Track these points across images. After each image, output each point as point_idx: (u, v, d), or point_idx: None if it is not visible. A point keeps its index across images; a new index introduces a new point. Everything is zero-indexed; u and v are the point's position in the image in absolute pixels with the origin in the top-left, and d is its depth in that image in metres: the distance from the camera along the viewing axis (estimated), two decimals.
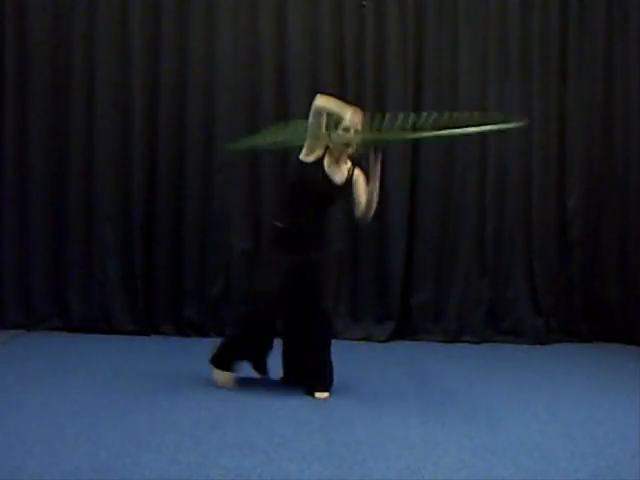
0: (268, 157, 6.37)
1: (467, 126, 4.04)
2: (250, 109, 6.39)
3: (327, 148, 4.31)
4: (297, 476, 3.15)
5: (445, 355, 5.96)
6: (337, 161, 4.35)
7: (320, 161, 4.31)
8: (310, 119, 4.21)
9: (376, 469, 3.25)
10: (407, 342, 6.37)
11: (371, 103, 6.41)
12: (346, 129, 4.22)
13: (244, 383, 4.75)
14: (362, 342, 6.30)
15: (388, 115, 4.17)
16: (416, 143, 6.28)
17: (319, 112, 4.18)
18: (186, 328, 6.30)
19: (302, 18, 6.38)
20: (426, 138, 4.63)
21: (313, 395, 4.40)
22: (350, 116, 4.21)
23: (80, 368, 5.03)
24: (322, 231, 4.46)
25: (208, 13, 6.33)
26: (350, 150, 4.30)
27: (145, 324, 6.30)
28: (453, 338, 6.43)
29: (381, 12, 6.42)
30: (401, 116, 4.13)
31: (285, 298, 4.43)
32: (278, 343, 4.64)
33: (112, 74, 6.30)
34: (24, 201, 6.32)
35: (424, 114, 4.13)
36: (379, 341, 6.31)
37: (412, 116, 4.18)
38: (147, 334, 6.26)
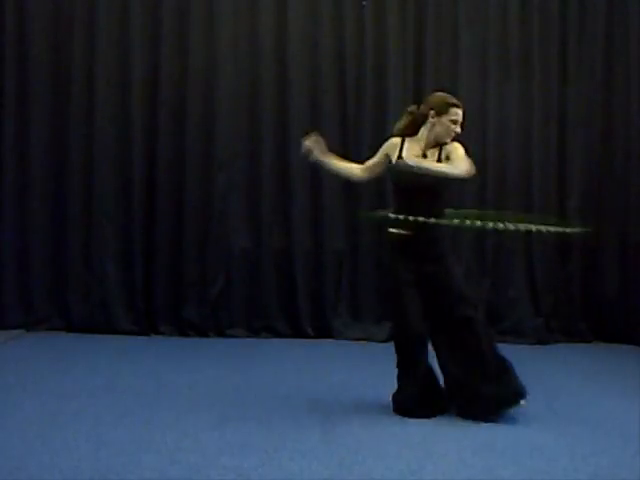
0: (269, 157, 6.37)
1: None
2: (250, 109, 6.40)
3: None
4: (297, 476, 3.15)
5: None
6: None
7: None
8: None
9: (376, 469, 3.25)
10: None
11: (371, 103, 6.43)
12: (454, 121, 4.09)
13: (243, 384, 4.75)
14: (362, 342, 6.30)
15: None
16: None
17: None
18: (186, 328, 6.30)
19: (302, 18, 6.38)
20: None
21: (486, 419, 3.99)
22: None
23: (80, 368, 5.04)
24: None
25: (208, 13, 6.34)
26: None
27: (145, 324, 6.30)
28: None
29: (381, 12, 6.42)
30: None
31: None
32: None
33: (112, 74, 6.31)
34: (24, 201, 6.32)
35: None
36: (379, 341, 6.30)
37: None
38: (147, 334, 6.26)
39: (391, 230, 4.06)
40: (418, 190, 3.97)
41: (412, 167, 3.85)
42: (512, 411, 4.07)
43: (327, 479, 3.14)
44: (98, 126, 6.30)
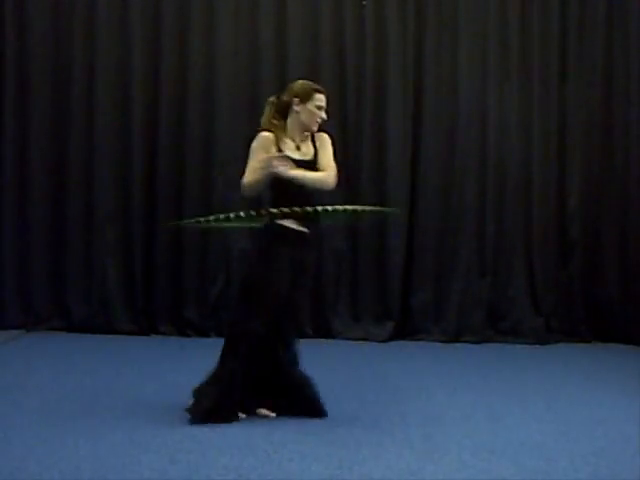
0: None
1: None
2: (250, 109, 6.38)
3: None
4: (297, 476, 3.15)
5: (445, 355, 5.96)
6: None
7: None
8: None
9: (376, 469, 3.25)
10: (407, 342, 6.37)
11: (371, 103, 6.43)
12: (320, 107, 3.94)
13: None
14: (362, 342, 6.30)
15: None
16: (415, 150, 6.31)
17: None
18: (186, 328, 6.30)
19: (302, 18, 6.38)
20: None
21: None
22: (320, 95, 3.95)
23: (80, 368, 5.04)
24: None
25: (208, 13, 6.34)
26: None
27: (145, 324, 6.30)
28: (453, 338, 6.42)
29: (381, 12, 6.42)
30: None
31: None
32: None
33: (112, 74, 6.31)
34: (24, 201, 6.32)
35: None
36: (379, 341, 6.31)
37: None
38: (147, 334, 6.26)
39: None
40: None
41: (292, 178, 3.76)
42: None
43: (327, 479, 3.15)
44: (98, 126, 6.29)
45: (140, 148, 6.32)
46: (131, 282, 6.31)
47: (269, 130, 3.92)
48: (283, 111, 3.97)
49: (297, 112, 3.93)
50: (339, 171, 3.97)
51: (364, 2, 6.39)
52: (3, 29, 6.28)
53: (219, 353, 3.97)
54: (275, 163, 3.75)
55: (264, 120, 3.99)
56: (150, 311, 6.35)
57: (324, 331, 6.35)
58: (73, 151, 6.32)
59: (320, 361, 5.53)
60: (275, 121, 3.95)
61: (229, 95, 6.35)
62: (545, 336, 6.51)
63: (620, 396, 4.69)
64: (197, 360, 5.40)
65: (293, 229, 3.88)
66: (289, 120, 3.96)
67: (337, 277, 6.47)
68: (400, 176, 6.42)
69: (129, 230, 6.33)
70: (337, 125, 6.42)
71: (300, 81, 4.07)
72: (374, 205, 4.75)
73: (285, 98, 3.98)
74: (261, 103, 6.26)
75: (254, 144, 3.92)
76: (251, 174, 3.90)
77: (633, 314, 6.50)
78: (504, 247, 6.58)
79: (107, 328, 6.22)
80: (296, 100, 3.93)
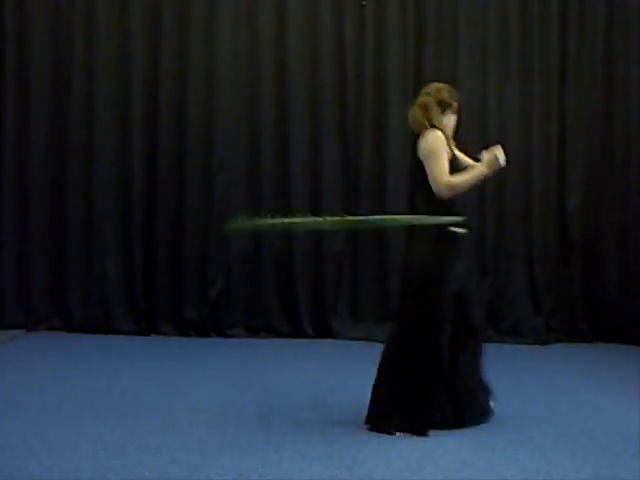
0: (268, 157, 6.37)
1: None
2: (250, 109, 6.40)
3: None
4: (297, 476, 3.15)
5: None
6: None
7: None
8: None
9: (376, 469, 3.25)
10: None
11: (371, 103, 6.42)
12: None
13: (243, 384, 4.75)
14: (362, 342, 6.29)
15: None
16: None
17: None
18: (186, 328, 6.30)
19: (302, 18, 6.38)
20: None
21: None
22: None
23: (80, 368, 5.04)
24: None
25: (208, 13, 6.34)
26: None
27: (145, 324, 6.30)
28: None
29: (381, 12, 6.42)
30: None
31: None
32: None
33: (112, 74, 6.31)
34: (24, 201, 6.33)
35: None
36: (379, 341, 6.29)
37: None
38: (147, 334, 6.26)
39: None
40: None
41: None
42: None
43: (327, 479, 3.14)
44: (98, 126, 6.30)
45: (140, 148, 6.32)
46: (131, 282, 6.31)
47: (439, 129, 3.84)
48: (442, 112, 3.90)
49: (454, 114, 3.94)
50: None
51: (364, 2, 6.39)
52: (3, 29, 6.28)
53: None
54: (502, 158, 3.83)
55: (430, 117, 3.86)
56: (150, 311, 6.34)
57: (324, 331, 6.35)
58: (73, 151, 6.32)
59: (320, 361, 5.56)
60: (440, 120, 3.88)
61: (229, 95, 6.35)
62: (545, 336, 6.51)
63: (620, 396, 4.68)
64: (197, 360, 5.44)
65: (461, 234, 3.95)
66: (444, 120, 3.90)
67: (337, 277, 6.47)
68: (400, 176, 6.41)
69: (129, 230, 6.33)
70: (337, 125, 6.45)
71: (445, 84, 4.02)
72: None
73: (447, 99, 3.91)
74: (261, 103, 6.39)
75: (434, 142, 3.80)
76: (444, 173, 3.78)
77: (633, 314, 6.50)
78: (504, 247, 6.57)
79: (107, 328, 6.23)
80: (456, 104, 3.94)
